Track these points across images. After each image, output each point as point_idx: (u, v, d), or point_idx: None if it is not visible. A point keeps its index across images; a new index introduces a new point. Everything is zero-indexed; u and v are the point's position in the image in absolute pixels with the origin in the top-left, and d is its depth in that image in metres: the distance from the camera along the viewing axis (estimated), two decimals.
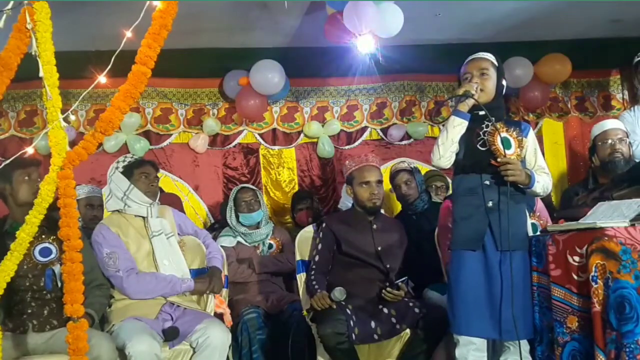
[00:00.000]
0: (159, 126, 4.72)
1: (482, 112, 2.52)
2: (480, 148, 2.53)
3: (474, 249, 2.50)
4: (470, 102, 2.50)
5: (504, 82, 2.61)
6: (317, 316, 2.91)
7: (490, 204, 2.49)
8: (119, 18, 2.33)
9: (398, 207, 4.79)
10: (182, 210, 4.11)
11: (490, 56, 2.62)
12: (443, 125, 2.62)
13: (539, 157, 2.62)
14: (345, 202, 3.86)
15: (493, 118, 2.50)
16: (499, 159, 2.47)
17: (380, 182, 3.17)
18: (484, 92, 2.54)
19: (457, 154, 2.57)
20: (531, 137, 2.62)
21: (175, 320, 2.90)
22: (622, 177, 2.84)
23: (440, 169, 2.68)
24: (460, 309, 2.49)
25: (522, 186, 2.51)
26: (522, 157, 2.56)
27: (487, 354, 2.54)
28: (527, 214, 3.06)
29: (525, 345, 2.49)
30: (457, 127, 2.50)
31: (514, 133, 2.54)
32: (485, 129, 2.53)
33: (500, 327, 2.43)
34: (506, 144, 2.50)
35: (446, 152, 2.53)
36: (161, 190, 4.29)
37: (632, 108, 3.96)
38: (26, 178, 2.66)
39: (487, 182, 2.51)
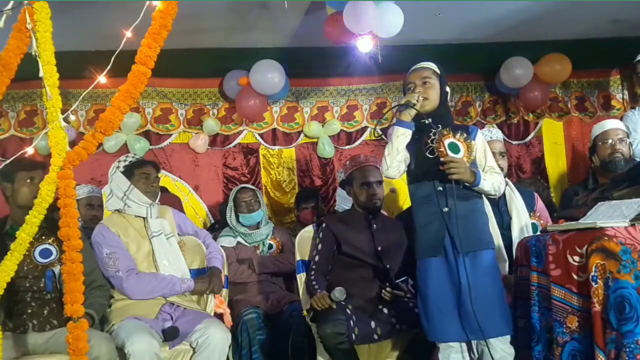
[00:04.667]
0: (159, 126, 4.72)
1: (428, 120, 2.58)
2: (429, 156, 2.56)
3: (435, 254, 2.54)
4: (412, 111, 2.54)
5: (447, 89, 2.67)
6: (317, 316, 2.91)
7: (446, 209, 2.53)
8: (119, 18, 2.33)
9: (398, 207, 4.79)
10: (182, 210, 4.11)
11: (432, 65, 2.68)
12: (388, 137, 2.68)
13: (488, 158, 2.65)
14: (341, 204, 3.86)
15: (440, 125, 2.56)
16: (441, 159, 2.51)
17: (380, 182, 3.18)
18: (428, 100, 2.59)
19: (409, 164, 2.62)
20: (479, 140, 2.65)
21: (175, 320, 2.90)
22: (622, 177, 2.84)
23: (390, 178, 2.72)
24: (434, 316, 2.53)
25: (468, 184, 2.54)
26: (472, 159, 2.59)
27: (467, 354, 2.58)
28: (523, 215, 3.07)
29: (500, 344, 2.50)
30: (401, 136, 2.55)
31: (462, 137, 2.57)
32: (432, 137, 2.57)
33: (470, 329, 2.46)
34: (454, 148, 2.54)
35: (393, 162, 2.57)
36: (166, 190, 4.30)
37: (637, 107, 3.97)
38: (28, 181, 2.66)
39: (440, 188, 2.55)
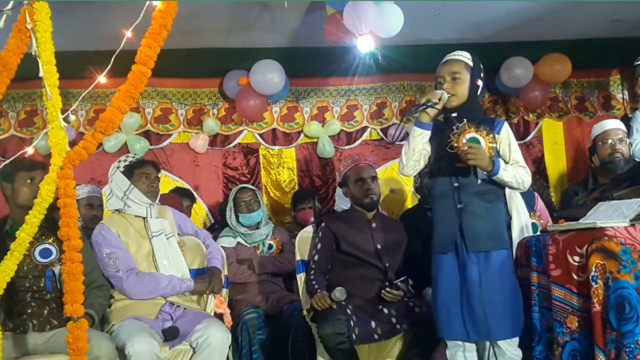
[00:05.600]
0: (159, 126, 4.72)
1: (454, 114, 2.55)
2: (449, 151, 2.52)
3: (445, 251, 2.53)
4: (433, 111, 2.52)
5: (479, 83, 2.60)
6: (317, 316, 2.91)
7: (460, 205, 2.50)
8: (119, 18, 2.33)
9: (398, 207, 4.79)
10: (182, 210, 4.10)
11: (464, 56, 2.61)
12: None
13: (513, 152, 2.60)
14: (341, 204, 3.86)
15: (465, 120, 2.52)
16: (459, 145, 2.45)
17: (374, 178, 3.20)
18: (455, 97, 2.55)
19: (430, 157, 2.61)
20: (504, 133, 2.59)
21: (175, 321, 2.90)
22: (622, 177, 2.85)
23: (406, 176, 2.69)
24: (441, 313, 2.52)
25: (486, 173, 2.48)
26: (493, 155, 2.54)
27: (475, 354, 2.56)
28: (523, 214, 3.06)
29: (508, 346, 2.48)
30: (418, 137, 2.53)
31: (484, 132, 2.52)
32: (455, 131, 2.53)
33: (476, 329, 2.45)
34: (474, 143, 2.49)
35: (409, 162, 2.57)
36: (178, 191, 4.30)
37: None
38: (28, 181, 2.66)
39: (457, 184, 2.52)
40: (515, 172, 2.54)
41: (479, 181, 2.52)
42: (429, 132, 2.55)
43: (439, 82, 2.60)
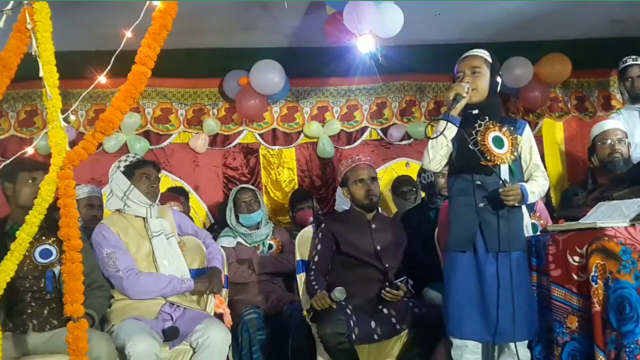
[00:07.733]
0: (159, 126, 4.72)
1: (475, 111, 2.52)
2: (471, 148, 2.48)
3: (464, 250, 2.49)
4: (462, 103, 2.48)
5: (498, 79, 2.58)
6: (317, 316, 2.91)
7: (481, 204, 2.47)
8: (119, 18, 2.33)
9: (395, 208, 4.78)
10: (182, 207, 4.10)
11: (483, 53, 2.60)
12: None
13: (534, 155, 2.58)
14: (341, 205, 3.86)
15: (487, 117, 2.50)
16: (500, 190, 2.42)
17: (374, 179, 3.19)
18: (476, 91, 2.51)
19: (450, 154, 2.57)
20: (527, 135, 2.57)
21: (175, 321, 2.90)
22: (622, 177, 2.85)
23: (431, 172, 2.64)
24: (452, 312, 2.49)
25: (517, 204, 2.46)
26: (516, 156, 2.52)
27: (482, 355, 2.54)
28: (525, 215, 3.05)
29: (518, 347, 2.45)
30: (447, 130, 2.48)
31: (507, 132, 2.50)
32: (477, 129, 2.50)
33: (490, 330, 2.43)
34: (498, 143, 2.47)
35: (436, 156, 2.53)
36: (179, 192, 4.29)
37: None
38: (30, 182, 2.65)
39: (479, 182, 2.49)
40: (540, 189, 2.52)
41: (501, 181, 2.46)
42: (457, 127, 2.50)
43: (459, 77, 2.56)
